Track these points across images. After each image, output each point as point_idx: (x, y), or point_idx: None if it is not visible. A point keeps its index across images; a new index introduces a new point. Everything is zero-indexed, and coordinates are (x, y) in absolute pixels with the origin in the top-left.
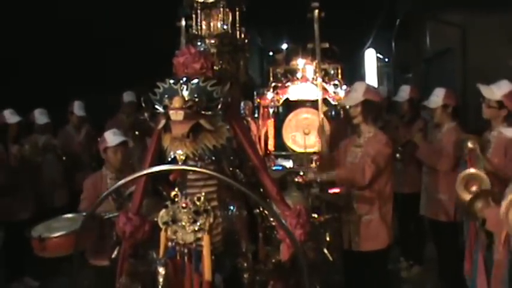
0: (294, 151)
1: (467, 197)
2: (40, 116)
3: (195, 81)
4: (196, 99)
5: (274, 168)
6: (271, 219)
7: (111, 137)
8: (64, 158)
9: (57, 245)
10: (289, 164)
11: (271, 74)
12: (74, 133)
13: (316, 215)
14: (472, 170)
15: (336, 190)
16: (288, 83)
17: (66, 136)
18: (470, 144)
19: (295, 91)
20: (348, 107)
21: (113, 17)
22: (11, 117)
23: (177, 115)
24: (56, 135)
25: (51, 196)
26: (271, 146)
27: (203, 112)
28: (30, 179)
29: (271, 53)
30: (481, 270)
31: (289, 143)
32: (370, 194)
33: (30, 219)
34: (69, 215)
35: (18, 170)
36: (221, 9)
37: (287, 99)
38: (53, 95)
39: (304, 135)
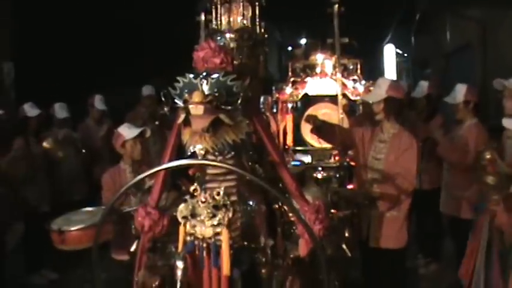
0: (312, 146)
1: None
2: (60, 110)
3: (215, 75)
4: (216, 94)
5: (292, 163)
6: (290, 214)
7: (127, 131)
8: (83, 151)
9: (76, 238)
10: (307, 159)
11: (290, 69)
12: (94, 127)
13: (334, 211)
14: None
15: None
16: (307, 78)
17: (86, 130)
18: (487, 155)
19: (314, 86)
20: (371, 102)
21: (133, 11)
22: (30, 110)
23: (197, 109)
24: (75, 129)
25: (70, 189)
26: (289, 141)
27: (223, 107)
28: (49, 172)
29: (290, 48)
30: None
31: (307, 138)
32: (395, 190)
33: (49, 212)
34: (89, 209)
35: (39, 163)
36: (241, 3)
37: (306, 94)
38: (73, 89)
39: None
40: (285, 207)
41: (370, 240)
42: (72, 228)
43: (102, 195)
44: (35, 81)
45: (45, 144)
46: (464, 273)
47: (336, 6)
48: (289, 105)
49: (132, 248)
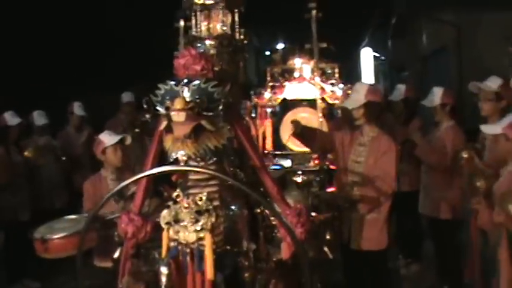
0: (292, 150)
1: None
2: (39, 118)
3: (196, 82)
4: (198, 101)
5: (272, 167)
6: (272, 218)
7: (108, 137)
8: (63, 158)
9: (59, 246)
10: (287, 163)
11: (268, 74)
12: (75, 134)
13: (315, 214)
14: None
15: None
16: (285, 83)
17: (66, 137)
18: (464, 155)
19: (292, 90)
20: (350, 108)
21: (112, 18)
22: (11, 119)
23: (178, 116)
24: (54, 136)
25: (51, 197)
26: (269, 145)
27: (204, 113)
28: (29, 180)
29: (267, 53)
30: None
31: (287, 142)
32: (375, 193)
33: (30, 220)
34: (71, 216)
35: (19, 172)
36: (220, 10)
37: (284, 98)
38: (52, 97)
39: None
40: (267, 211)
41: (352, 243)
42: (55, 237)
43: (83, 203)
44: (13, 89)
45: (26, 153)
46: (469, 272)
47: (314, 11)
48: (268, 110)
49: (116, 255)
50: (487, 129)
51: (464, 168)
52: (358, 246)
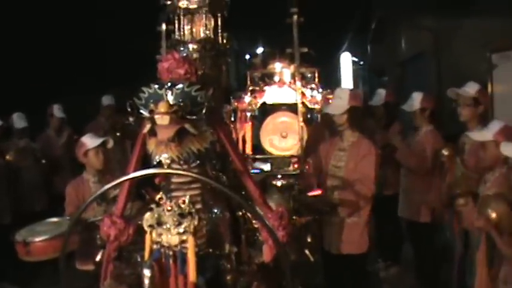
0: (271, 154)
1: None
2: (18, 120)
3: (180, 86)
4: (181, 104)
5: (252, 171)
6: (254, 221)
7: (90, 140)
8: (43, 161)
9: (41, 249)
10: (266, 167)
11: (248, 78)
12: (55, 136)
13: (297, 217)
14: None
15: (316, 193)
16: (265, 87)
17: (46, 140)
18: (445, 152)
19: (272, 95)
20: (334, 114)
21: (94, 21)
22: None
23: (162, 119)
24: (34, 139)
25: (31, 200)
26: (248, 149)
27: (188, 117)
28: (9, 183)
29: (247, 57)
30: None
31: (266, 146)
32: (355, 197)
33: (10, 223)
34: (53, 219)
35: (0, 174)
36: (203, 15)
37: (264, 102)
38: (32, 100)
39: (281, 138)
40: (249, 214)
41: (332, 247)
42: (37, 239)
43: (65, 206)
44: None
45: (8, 157)
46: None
47: (295, 16)
48: (248, 114)
49: (98, 258)
50: (477, 136)
51: (445, 166)
52: (338, 250)
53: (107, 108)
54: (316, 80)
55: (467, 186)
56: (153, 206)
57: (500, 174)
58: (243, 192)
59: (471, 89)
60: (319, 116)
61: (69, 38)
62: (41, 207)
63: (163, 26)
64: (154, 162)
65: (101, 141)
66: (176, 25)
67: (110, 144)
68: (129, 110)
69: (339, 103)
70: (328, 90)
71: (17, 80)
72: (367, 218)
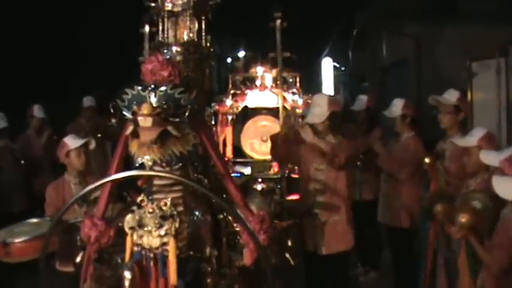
0: (252, 158)
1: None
2: None
3: (163, 88)
4: (165, 106)
5: (232, 175)
6: (235, 224)
7: (72, 141)
8: (22, 162)
9: (21, 250)
10: (247, 170)
11: (230, 81)
12: (35, 137)
13: (278, 221)
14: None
15: (296, 197)
16: (247, 91)
17: (26, 140)
18: (427, 160)
19: (253, 98)
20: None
21: (76, 22)
22: None
23: (145, 121)
24: (14, 140)
25: (10, 201)
26: (229, 152)
27: (171, 119)
28: None
29: (229, 60)
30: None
31: (247, 150)
32: (333, 198)
33: None
34: (33, 220)
35: None
36: (188, 17)
37: (245, 106)
38: (12, 100)
39: (262, 142)
40: (230, 218)
41: (319, 249)
42: (17, 240)
43: (45, 207)
44: None
45: None
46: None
47: (279, 20)
48: (229, 117)
49: (78, 259)
50: (461, 142)
51: (428, 174)
52: (328, 250)
53: (87, 110)
54: (298, 84)
55: (448, 193)
56: (134, 208)
57: (483, 180)
58: (225, 196)
59: (452, 96)
60: (300, 120)
61: (51, 39)
62: (20, 208)
63: (147, 28)
64: (137, 164)
65: (83, 142)
66: (160, 27)
67: (92, 145)
68: (111, 111)
69: (319, 111)
70: (310, 95)
71: None
72: (348, 215)
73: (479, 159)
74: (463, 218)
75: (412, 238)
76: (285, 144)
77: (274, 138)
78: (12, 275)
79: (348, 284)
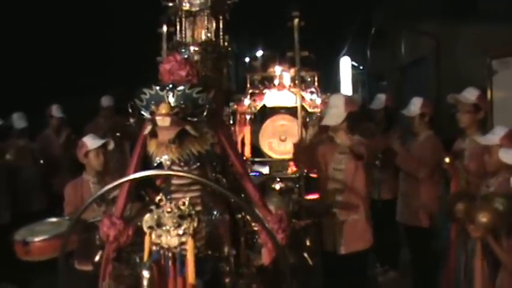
0: (270, 157)
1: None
2: (18, 120)
3: (181, 88)
4: (182, 106)
5: (251, 174)
6: (253, 224)
7: (91, 141)
8: (41, 161)
9: (40, 249)
10: (265, 170)
11: (248, 81)
12: (54, 137)
13: (296, 220)
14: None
15: (315, 196)
16: (265, 90)
17: (45, 140)
18: (447, 159)
19: (271, 98)
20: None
21: (94, 22)
22: None
23: (163, 121)
24: (33, 139)
25: (30, 200)
26: (247, 152)
27: (189, 118)
28: (8, 183)
29: (247, 59)
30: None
31: (265, 149)
32: (352, 197)
33: (9, 223)
34: (52, 219)
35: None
36: (205, 17)
37: (264, 105)
38: (31, 100)
39: (280, 141)
40: (248, 217)
41: (338, 248)
42: (37, 239)
43: (64, 206)
44: None
45: (8, 156)
46: (446, 283)
47: (297, 20)
48: (247, 117)
49: (96, 258)
50: (483, 140)
51: (449, 173)
52: (347, 250)
53: (106, 109)
54: (316, 83)
55: (468, 192)
56: (152, 207)
57: (504, 179)
58: (243, 195)
59: (471, 95)
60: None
61: (70, 39)
62: (39, 207)
63: (164, 28)
64: (155, 164)
65: (102, 142)
66: (178, 27)
67: (111, 145)
68: (130, 111)
69: (337, 112)
70: (328, 94)
71: (17, 79)
72: (367, 214)
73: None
74: (483, 218)
75: (430, 238)
76: (307, 151)
77: (297, 145)
78: (32, 274)
79: (367, 284)
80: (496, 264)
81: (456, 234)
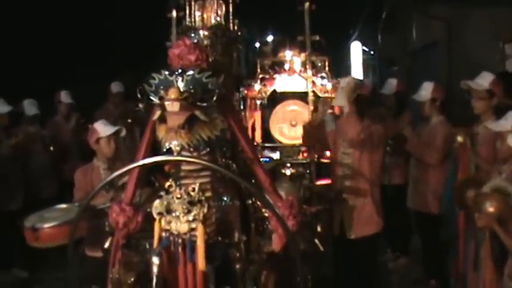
0: (281, 143)
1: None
2: (29, 107)
3: (190, 72)
4: (192, 91)
5: (261, 159)
6: (264, 209)
7: (103, 127)
8: (52, 148)
9: (50, 235)
10: (276, 155)
11: (258, 66)
12: (63, 122)
13: (307, 206)
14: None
15: (326, 181)
16: (276, 75)
17: (55, 126)
18: (460, 138)
19: (282, 83)
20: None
21: (102, 8)
22: (1, 107)
23: (173, 106)
24: (44, 126)
25: (40, 187)
26: (258, 137)
27: (198, 103)
28: (19, 170)
29: (257, 44)
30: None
31: (276, 134)
32: (360, 181)
33: (20, 210)
34: (62, 205)
35: (9, 160)
36: (215, 1)
37: (274, 91)
38: (41, 86)
39: (291, 126)
40: (259, 203)
41: (348, 233)
42: (46, 226)
43: (74, 192)
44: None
45: (16, 138)
46: (455, 271)
47: (307, 4)
48: (258, 102)
49: (106, 245)
50: (495, 126)
51: (458, 152)
52: (356, 234)
53: (116, 96)
54: (327, 68)
55: (477, 179)
56: (162, 193)
57: None
58: (253, 181)
59: (485, 81)
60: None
61: (78, 25)
62: (50, 194)
63: (174, 13)
64: (164, 149)
65: (114, 130)
66: (187, 11)
67: (123, 133)
68: (139, 96)
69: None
70: (339, 79)
71: (27, 66)
72: (376, 199)
73: None
74: (491, 207)
75: (440, 224)
76: (316, 132)
77: (306, 126)
78: (42, 260)
79: (377, 270)
80: (504, 252)
81: (464, 222)
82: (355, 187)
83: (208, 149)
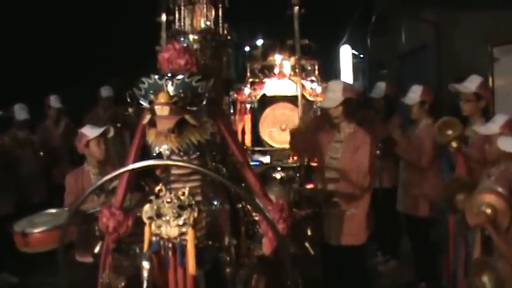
0: (271, 146)
1: (444, 139)
2: (20, 112)
3: (180, 76)
4: (182, 95)
5: (251, 163)
6: (254, 213)
7: (90, 130)
8: (41, 153)
9: (40, 240)
10: (266, 159)
11: (248, 70)
12: (53, 127)
13: (297, 210)
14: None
15: (311, 186)
16: (265, 79)
17: (45, 131)
18: (454, 144)
19: (272, 87)
20: (329, 107)
21: (91, 12)
22: None
23: (162, 110)
24: (33, 131)
25: (30, 192)
26: (248, 141)
27: (188, 107)
28: (9, 175)
29: (247, 48)
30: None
31: (266, 138)
32: (352, 188)
33: (10, 215)
34: (52, 210)
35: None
36: (204, 5)
37: (264, 94)
38: (31, 91)
39: (281, 130)
40: (249, 207)
41: (331, 238)
42: (36, 231)
43: (64, 196)
44: None
45: (4, 142)
46: (447, 272)
47: (297, 8)
48: (248, 106)
49: (96, 250)
50: (483, 129)
51: (453, 157)
52: (337, 242)
53: (105, 100)
54: (316, 72)
55: (468, 181)
56: (152, 197)
57: (506, 168)
58: (243, 185)
59: (472, 84)
60: (319, 109)
61: (67, 29)
62: (40, 199)
63: (163, 17)
64: (154, 154)
65: (102, 130)
66: (176, 15)
67: (111, 133)
68: (128, 100)
69: (333, 96)
70: (328, 83)
71: (17, 71)
72: (366, 209)
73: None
74: (487, 209)
75: (430, 227)
76: (304, 138)
77: (293, 131)
78: (32, 265)
79: (367, 273)
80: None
81: (455, 225)
82: (343, 193)
83: (198, 153)
